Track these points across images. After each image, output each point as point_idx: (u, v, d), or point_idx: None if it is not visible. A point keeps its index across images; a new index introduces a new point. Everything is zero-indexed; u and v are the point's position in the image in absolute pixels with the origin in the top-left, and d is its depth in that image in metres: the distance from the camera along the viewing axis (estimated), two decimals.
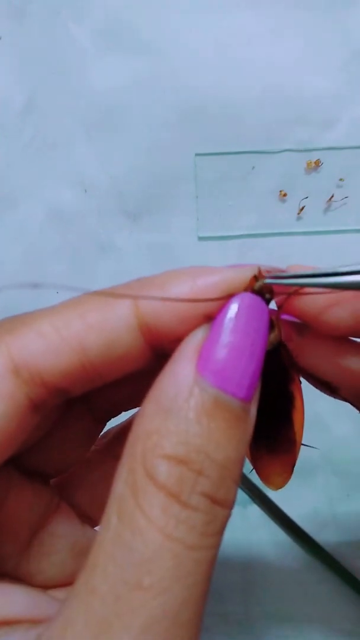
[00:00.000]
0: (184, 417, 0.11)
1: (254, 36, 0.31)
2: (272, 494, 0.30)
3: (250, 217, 0.31)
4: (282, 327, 0.14)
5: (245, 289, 0.13)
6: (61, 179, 0.31)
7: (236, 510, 0.30)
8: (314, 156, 0.30)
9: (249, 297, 0.13)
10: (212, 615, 0.30)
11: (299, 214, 0.31)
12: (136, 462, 0.11)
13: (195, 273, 0.13)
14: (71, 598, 0.11)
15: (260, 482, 0.15)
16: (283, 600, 0.30)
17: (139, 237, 0.31)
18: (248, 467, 0.16)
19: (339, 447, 0.30)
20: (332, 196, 0.30)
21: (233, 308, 0.13)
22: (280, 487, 0.16)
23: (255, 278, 0.13)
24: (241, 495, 0.30)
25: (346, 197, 0.30)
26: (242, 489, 0.30)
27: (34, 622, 0.12)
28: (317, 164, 0.30)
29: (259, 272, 0.13)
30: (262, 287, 0.13)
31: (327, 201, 0.30)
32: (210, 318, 0.13)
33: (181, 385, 0.12)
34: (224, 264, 0.32)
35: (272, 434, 0.16)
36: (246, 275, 0.13)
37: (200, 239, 0.31)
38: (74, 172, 0.31)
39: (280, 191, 0.30)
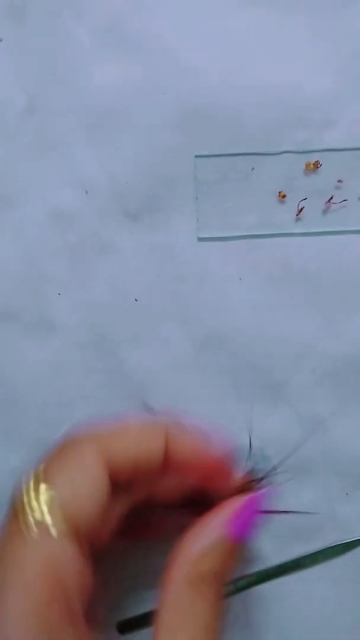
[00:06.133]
0: (217, 554, 0.21)
1: (253, 37, 0.31)
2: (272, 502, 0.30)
3: (249, 217, 0.31)
4: None
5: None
6: (62, 180, 0.31)
7: None
8: (313, 157, 0.31)
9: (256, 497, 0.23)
10: None
11: (298, 215, 0.31)
12: (185, 576, 0.20)
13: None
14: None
15: None
16: (282, 599, 0.30)
17: (139, 238, 0.31)
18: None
19: (338, 446, 0.30)
20: (332, 197, 0.30)
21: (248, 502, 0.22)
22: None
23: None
24: None
25: (345, 200, 0.30)
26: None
27: None
28: (317, 165, 0.30)
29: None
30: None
31: (326, 202, 0.31)
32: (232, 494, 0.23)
33: (216, 536, 0.21)
34: (224, 264, 0.32)
35: None
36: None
37: (200, 239, 0.31)
38: (74, 173, 0.31)
39: (280, 192, 0.31)
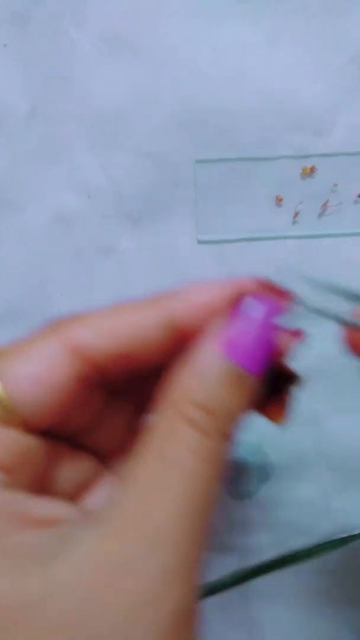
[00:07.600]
0: (212, 379, 0.16)
1: (250, 44, 0.31)
2: (270, 496, 0.31)
3: (247, 221, 0.31)
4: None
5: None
6: (65, 184, 0.32)
7: (236, 508, 0.31)
8: (309, 162, 0.31)
9: (254, 301, 0.17)
10: (212, 607, 0.31)
11: (294, 218, 0.31)
12: (174, 405, 0.16)
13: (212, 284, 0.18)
14: (121, 484, 0.15)
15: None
16: (282, 593, 0.31)
17: (140, 240, 0.32)
18: None
19: (334, 442, 0.31)
20: (327, 201, 0.31)
21: (243, 309, 0.17)
22: (282, 424, 0.20)
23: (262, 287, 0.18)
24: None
25: (340, 204, 0.31)
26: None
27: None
28: (312, 170, 0.31)
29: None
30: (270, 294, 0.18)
31: (322, 206, 0.31)
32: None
33: (210, 358, 0.16)
34: (223, 266, 0.32)
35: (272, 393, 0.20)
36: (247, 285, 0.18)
37: (200, 242, 0.32)
38: (77, 177, 0.32)
39: (277, 196, 0.31)
